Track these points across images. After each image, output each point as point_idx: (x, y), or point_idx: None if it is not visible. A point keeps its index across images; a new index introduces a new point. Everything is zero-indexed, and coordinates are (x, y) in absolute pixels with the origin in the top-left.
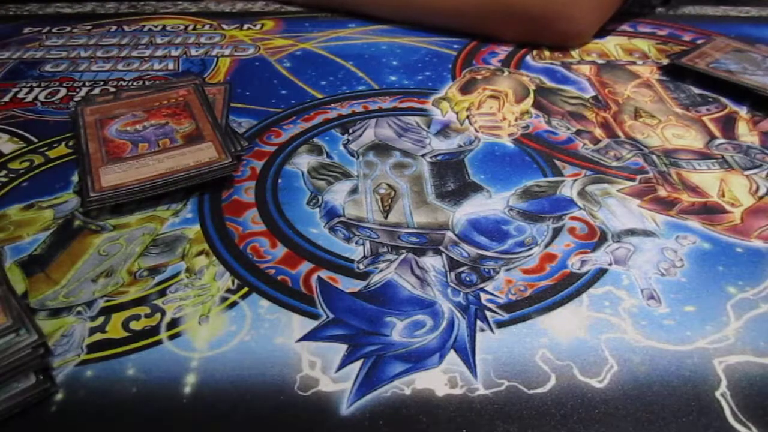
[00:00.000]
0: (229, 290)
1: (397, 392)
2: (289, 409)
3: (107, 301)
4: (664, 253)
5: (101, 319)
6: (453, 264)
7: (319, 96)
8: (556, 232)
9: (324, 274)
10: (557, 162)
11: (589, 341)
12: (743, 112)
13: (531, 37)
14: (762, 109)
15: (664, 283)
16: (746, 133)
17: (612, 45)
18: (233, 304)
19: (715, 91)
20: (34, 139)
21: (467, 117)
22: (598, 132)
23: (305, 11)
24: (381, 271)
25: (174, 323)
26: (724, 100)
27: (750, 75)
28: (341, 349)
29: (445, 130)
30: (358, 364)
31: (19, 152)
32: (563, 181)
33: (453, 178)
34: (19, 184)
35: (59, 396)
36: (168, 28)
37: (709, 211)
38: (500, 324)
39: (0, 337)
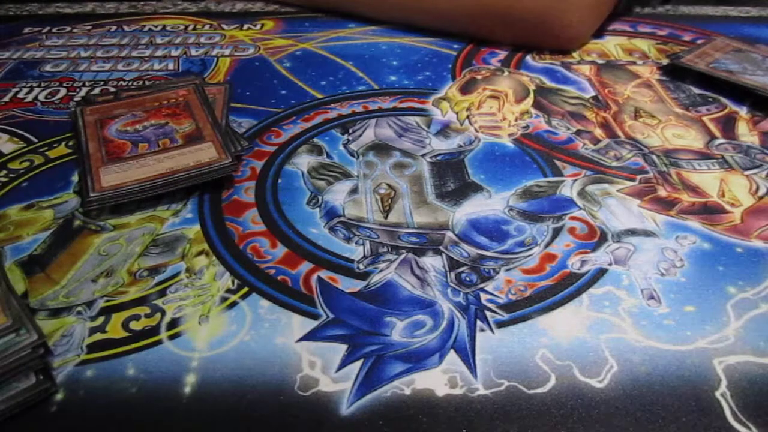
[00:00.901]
0: (229, 290)
1: (397, 392)
2: (289, 409)
3: (107, 301)
4: (664, 253)
5: (101, 319)
6: (453, 264)
7: (319, 96)
8: (556, 232)
9: (324, 274)
10: (557, 162)
11: (589, 341)
12: (743, 112)
13: (527, 42)
14: (762, 109)
15: (664, 283)
16: (746, 133)
17: (612, 45)
18: (233, 304)
19: (715, 91)
20: (34, 139)
21: (467, 117)
22: (598, 132)
23: (305, 11)
24: (381, 271)
25: (174, 323)
26: (724, 100)
27: (750, 75)
28: (341, 349)
29: (445, 130)
30: (358, 364)
31: (19, 152)
32: (563, 181)
33: (453, 178)
34: (19, 184)
35: (59, 396)
36: (168, 28)
37: (709, 211)
38: (500, 324)
39: (0, 337)
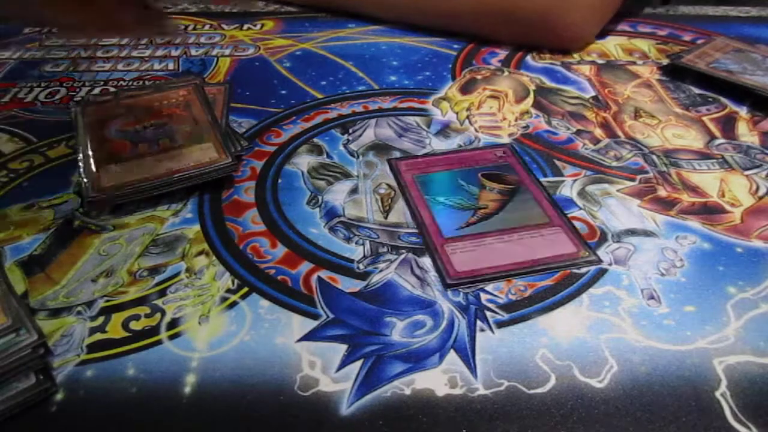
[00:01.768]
0: (229, 290)
1: (397, 392)
2: (289, 409)
3: (107, 301)
4: (664, 253)
5: (101, 319)
6: None
7: (319, 96)
8: None
9: (324, 274)
10: (557, 162)
11: (589, 341)
12: (743, 112)
13: (529, 42)
14: (762, 109)
15: (664, 283)
16: (746, 133)
17: (612, 45)
18: (233, 304)
19: (715, 91)
20: (34, 139)
21: (467, 117)
22: (598, 132)
23: (305, 11)
24: (381, 271)
25: (174, 323)
26: (724, 100)
27: (750, 75)
28: (341, 349)
29: (445, 130)
30: (358, 364)
31: (19, 152)
32: (563, 181)
33: None
34: (19, 184)
35: (59, 396)
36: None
37: (709, 211)
38: (500, 324)
39: (0, 337)
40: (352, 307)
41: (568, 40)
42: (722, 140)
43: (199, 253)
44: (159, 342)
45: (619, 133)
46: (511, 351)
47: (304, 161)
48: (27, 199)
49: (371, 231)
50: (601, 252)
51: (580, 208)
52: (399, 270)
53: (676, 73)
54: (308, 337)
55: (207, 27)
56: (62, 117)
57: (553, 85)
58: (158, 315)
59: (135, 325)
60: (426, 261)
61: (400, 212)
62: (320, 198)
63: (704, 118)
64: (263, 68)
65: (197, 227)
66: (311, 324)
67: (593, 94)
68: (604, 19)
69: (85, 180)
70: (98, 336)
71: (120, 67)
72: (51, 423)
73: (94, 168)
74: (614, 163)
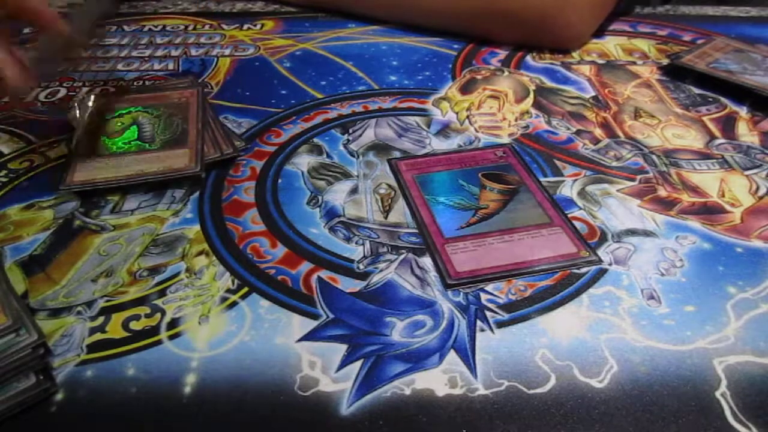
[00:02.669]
0: (229, 290)
1: (397, 392)
2: (289, 409)
3: (107, 301)
4: (664, 253)
5: (101, 319)
6: None
7: (319, 96)
8: None
9: (324, 274)
10: (557, 162)
11: (589, 341)
12: (743, 112)
13: (528, 41)
14: (762, 109)
15: (664, 283)
16: (746, 133)
17: (612, 45)
18: (233, 304)
19: (715, 91)
20: (34, 139)
21: (467, 117)
22: (598, 132)
23: (305, 11)
24: (381, 271)
25: (174, 323)
26: (724, 100)
27: (750, 75)
28: (341, 349)
29: (445, 130)
30: (358, 364)
31: (19, 152)
32: (563, 181)
33: None
34: (19, 184)
35: (59, 396)
36: (168, 28)
37: (709, 211)
38: (500, 324)
39: (0, 337)
40: (352, 307)
41: (567, 39)
42: (722, 140)
43: (199, 253)
44: (159, 342)
45: (619, 133)
46: (511, 351)
47: (304, 161)
48: (27, 199)
49: (371, 231)
50: (601, 252)
51: (580, 208)
52: (399, 270)
53: (676, 73)
54: (308, 337)
55: (207, 27)
56: (62, 117)
57: (553, 85)
58: (158, 315)
59: (135, 325)
60: (426, 261)
61: (400, 212)
62: (320, 198)
63: (704, 118)
64: (263, 68)
65: (197, 227)
66: (311, 324)
67: (593, 94)
68: (601, 18)
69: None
70: (98, 336)
71: (120, 67)
72: (51, 423)
73: (75, 162)
74: (614, 163)
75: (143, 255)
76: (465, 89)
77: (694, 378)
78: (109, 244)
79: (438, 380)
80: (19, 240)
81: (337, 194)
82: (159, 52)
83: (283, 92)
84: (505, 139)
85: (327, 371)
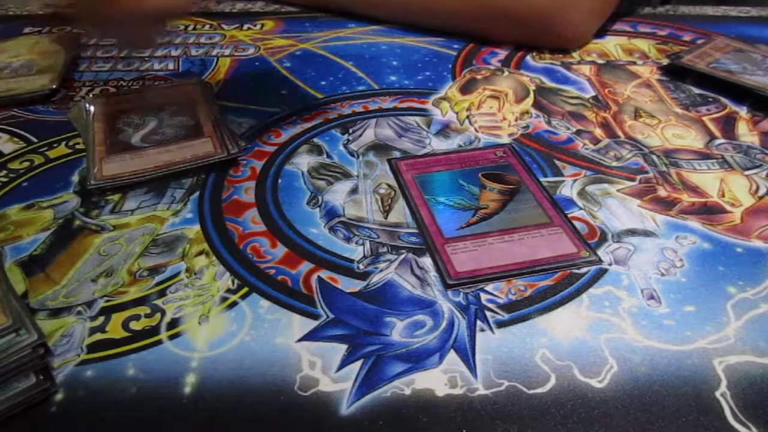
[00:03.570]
0: (229, 290)
1: (397, 392)
2: (289, 409)
3: (107, 301)
4: (664, 253)
5: (101, 319)
6: None
7: (319, 96)
8: None
9: (324, 274)
10: (557, 162)
11: (589, 341)
12: (743, 112)
13: (529, 41)
14: (762, 109)
15: (664, 283)
16: (746, 133)
17: (612, 45)
18: (233, 304)
19: (715, 91)
20: (34, 139)
21: (467, 117)
22: (598, 132)
23: (305, 11)
24: (381, 271)
25: (174, 323)
26: (724, 100)
27: (750, 75)
28: (341, 349)
29: (445, 130)
30: (358, 364)
31: (19, 152)
32: (563, 181)
33: None
34: (19, 184)
35: (59, 396)
36: (168, 28)
37: (709, 211)
38: (500, 324)
39: (0, 337)
40: (352, 307)
41: (568, 39)
42: (722, 140)
43: (199, 253)
44: (159, 342)
45: (619, 133)
46: (511, 351)
47: (304, 161)
48: (27, 199)
49: (371, 231)
50: (601, 252)
51: (580, 208)
52: (399, 270)
53: (676, 73)
54: (308, 337)
55: (207, 27)
56: (62, 117)
57: (553, 85)
58: (158, 315)
59: (135, 325)
60: (426, 261)
61: (400, 212)
62: (320, 198)
63: (704, 118)
64: (263, 68)
65: (197, 227)
66: (311, 324)
67: (593, 94)
68: (602, 19)
69: (98, 164)
70: (98, 336)
71: (120, 67)
72: (51, 423)
73: (98, 158)
74: (614, 163)
75: (143, 255)
76: (465, 89)
77: (694, 378)
78: (109, 244)
79: (438, 380)
80: (19, 240)
81: (337, 194)
82: (159, 52)
83: (283, 92)
84: (505, 139)
85: (327, 371)
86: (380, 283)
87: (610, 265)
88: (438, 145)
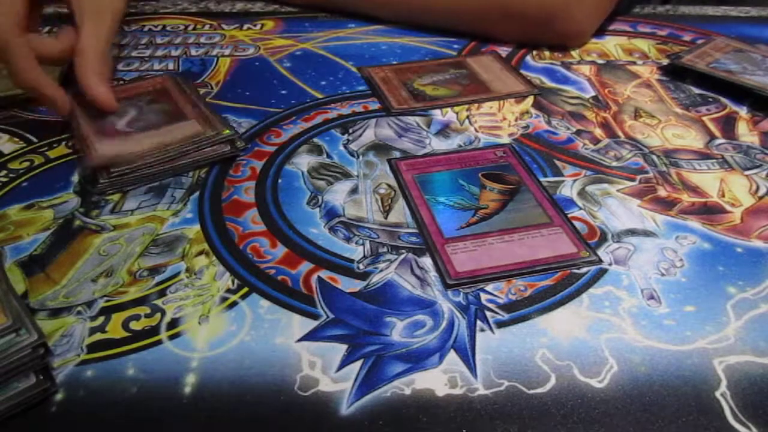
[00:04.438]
0: (229, 290)
1: (397, 392)
2: (289, 409)
3: (107, 301)
4: (664, 253)
5: (101, 319)
6: None
7: (319, 96)
8: None
9: (324, 274)
10: (557, 162)
11: (589, 341)
12: (743, 112)
13: (531, 38)
14: (762, 109)
15: (664, 283)
16: (746, 133)
17: (612, 45)
18: (233, 304)
19: (715, 91)
20: (34, 139)
21: (467, 117)
22: (598, 132)
23: (305, 11)
24: (381, 271)
25: (174, 323)
26: (724, 100)
27: (750, 75)
28: (341, 349)
29: (445, 130)
30: (358, 364)
31: (19, 152)
32: (563, 181)
33: None
34: (19, 184)
35: (59, 396)
36: (168, 28)
37: (709, 211)
38: (500, 324)
39: (0, 337)
40: (352, 307)
41: (571, 36)
42: (722, 140)
43: (199, 253)
44: (159, 342)
45: (619, 133)
46: (511, 351)
47: (304, 161)
48: (27, 199)
49: (371, 231)
50: (601, 252)
51: (580, 208)
52: (399, 270)
53: (676, 73)
54: (308, 337)
55: (207, 27)
56: (62, 117)
57: (553, 85)
58: (158, 315)
59: (135, 325)
60: (426, 261)
61: (400, 212)
62: (320, 198)
63: (704, 118)
64: (263, 68)
65: (197, 227)
66: (311, 324)
67: (593, 94)
68: (604, 15)
69: (91, 146)
70: (98, 336)
71: (120, 67)
72: (51, 423)
73: (90, 141)
74: (614, 163)
75: (143, 255)
76: None
77: (694, 378)
78: (109, 244)
79: (438, 380)
80: (19, 240)
81: (337, 194)
82: (159, 52)
83: (283, 92)
84: (505, 139)
85: (327, 371)
86: (380, 283)
87: (610, 265)
88: (438, 145)
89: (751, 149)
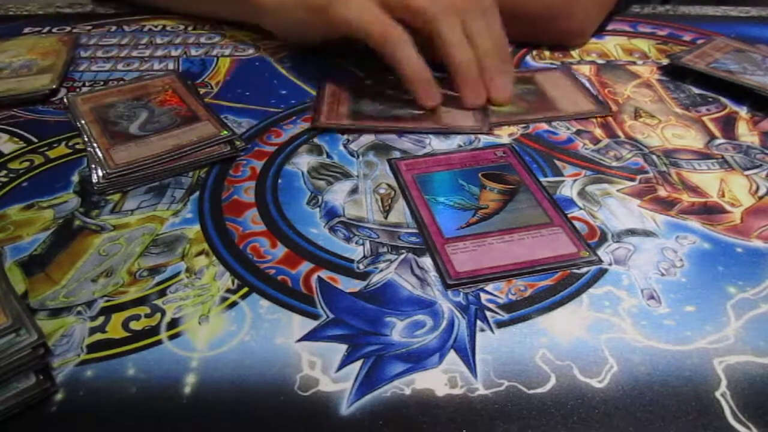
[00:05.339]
0: (229, 290)
1: (397, 392)
2: (289, 409)
3: (107, 301)
4: (664, 253)
5: (101, 319)
6: None
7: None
8: None
9: (324, 274)
10: (557, 162)
11: (589, 341)
12: (743, 112)
13: (532, 37)
14: (762, 109)
15: (664, 283)
16: (746, 133)
17: (612, 45)
18: (233, 304)
19: (715, 91)
20: (34, 139)
21: None
22: (598, 132)
23: None
24: (381, 271)
25: (174, 323)
26: (724, 100)
27: (750, 75)
28: (341, 349)
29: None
30: (358, 364)
31: (19, 152)
32: (563, 181)
33: None
34: (19, 184)
35: (59, 396)
36: (168, 28)
37: (709, 211)
38: (500, 324)
39: (0, 337)
40: (352, 307)
41: (572, 34)
42: (722, 140)
43: (199, 253)
44: (159, 342)
45: (619, 133)
46: (511, 351)
47: (304, 161)
48: (27, 199)
49: (371, 231)
50: (601, 252)
51: (580, 208)
52: (399, 270)
53: (676, 73)
54: (308, 337)
55: (207, 27)
56: (62, 117)
57: None
58: (158, 315)
59: (135, 325)
60: (426, 261)
61: (400, 212)
62: (320, 198)
63: (704, 118)
64: (263, 68)
65: (197, 227)
66: (311, 324)
67: (593, 94)
68: (604, 14)
69: (99, 155)
70: (98, 336)
71: (120, 67)
72: (51, 423)
73: (103, 149)
74: (614, 163)
75: (143, 255)
76: None
77: (694, 378)
78: (109, 244)
79: (438, 380)
80: (19, 240)
81: (337, 194)
82: (159, 52)
83: (283, 92)
84: (505, 139)
85: (327, 371)
86: (380, 283)
87: (610, 265)
88: (438, 145)
89: (751, 149)
